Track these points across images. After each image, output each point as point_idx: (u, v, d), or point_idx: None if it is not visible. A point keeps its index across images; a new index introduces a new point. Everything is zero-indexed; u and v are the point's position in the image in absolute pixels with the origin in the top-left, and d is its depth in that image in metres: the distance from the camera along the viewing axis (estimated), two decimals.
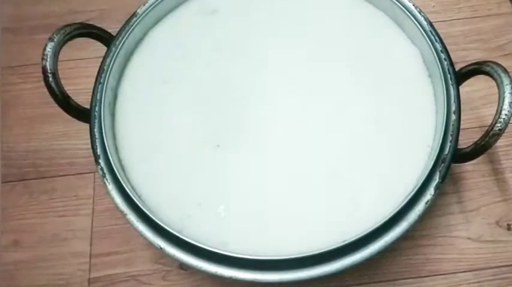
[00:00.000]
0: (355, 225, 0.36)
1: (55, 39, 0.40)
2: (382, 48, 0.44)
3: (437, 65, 0.41)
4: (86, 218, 0.51)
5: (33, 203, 0.53)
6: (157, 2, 0.45)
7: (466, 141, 0.42)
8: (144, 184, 0.40)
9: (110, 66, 0.43)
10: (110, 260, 0.49)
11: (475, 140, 0.38)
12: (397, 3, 0.44)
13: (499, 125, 0.36)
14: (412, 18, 0.44)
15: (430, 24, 0.44)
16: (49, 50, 0.40)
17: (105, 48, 0.45)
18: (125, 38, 0.44)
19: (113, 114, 0.43)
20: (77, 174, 0.54)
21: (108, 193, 0.39)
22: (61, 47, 0.41)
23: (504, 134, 0.37)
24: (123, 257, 0.50)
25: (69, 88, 0.41)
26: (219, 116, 0.42)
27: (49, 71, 0.40)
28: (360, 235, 0.35)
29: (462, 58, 0.56)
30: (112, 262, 0.49)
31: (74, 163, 0.54)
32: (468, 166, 0.51)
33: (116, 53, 0.43)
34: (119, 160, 0.41)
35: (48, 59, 0.40)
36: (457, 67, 0.42)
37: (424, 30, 0.43)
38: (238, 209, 0.39)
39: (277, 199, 0.39)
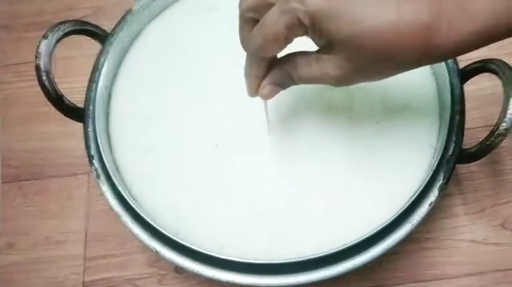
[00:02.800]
0: (357, 227, 0.36)
1: (49, 37, 0.39)
2: None
3: (441, 63, 0.40)
4: (80, 220, 0.51)
5: (27, 204, 0.53)
6: None
7: (470, 141, 0.42)
8: (140, 184, 0.39)
9: (104, 65, 0.42)
10: (104, 263, 0.49)
11: (480, 140, 0.37)
12: None
13: (504, 124, 0.35)
14: None
15: None
16: (43, 47, 0.39)
17: (99, 45, 0.44)
18: (119, 35, 0.43)
19: (107, 114, 0.42)
20: (71, 175, 0.53)
21: (102, 194, 0.38)
22: (55, 45, 0.40)
23: (510, 134, 0.36)
24: (118, 260, 0.49)
25: (63, 87, 0.41)
26: (217, 115, 0.41)
27: (43, 69, 0.39)
28: (362, 238, 0.34)
29: (466, 56, 0.55)
30: (107, 265, 0.49)
31: (68, 164, 0.54)
32: (473, 166, 0.51)
33: (111, 50, 0.42)
34: (114, 161, 0.40)
35: (42, 57, 0.39)
36: (461, 65, 0.41)
37: None
38: (236, 211, 0.38)
39: (276, 201, 0.38)
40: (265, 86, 0.33)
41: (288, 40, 0.29)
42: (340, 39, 0.27)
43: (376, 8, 0.26)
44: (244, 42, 0.31)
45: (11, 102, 0.58)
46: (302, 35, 0.28)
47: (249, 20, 0.30)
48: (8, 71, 0.59)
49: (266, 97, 0.33)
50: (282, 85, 0.33)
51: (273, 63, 0.32)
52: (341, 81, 0.30)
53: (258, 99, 0.42)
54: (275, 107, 0.41)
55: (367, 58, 0.27)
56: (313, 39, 0.29)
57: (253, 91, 0.33)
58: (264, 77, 0.32)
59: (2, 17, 0.62)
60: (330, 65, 0.29)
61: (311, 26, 0.27)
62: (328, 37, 0.27)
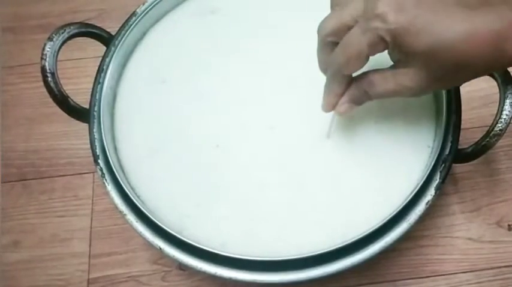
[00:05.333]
0: (355, 226, 0.36)
1: (54, 39, 0.40)
2: None
3: None
4: (85, 218, 0.51)
5: (32, 203, 0.53)
6: (157, 1, 0.45)
7: (466, 141, 0.42)
8: (144, 184, 0.40)
9: (109, 66, 0.43)
10: (109, 261, 0.49)
11: (476, 140, 0.38)
12: None
13: (500, 125, 0.36)
14: None
15: None
16: (48, 49, 0.40)
17: (104, 48, 0.44)
18: (124, 37, 0.44)
19: (112, 114, 0.43)
20: (76, 174, 0.54)
21: (107, 193, 0.39)
22: (60, 47, 0.40)
23: (505, 134, 0.36)
24: (123, 258, 0.49)
25: (68, 88, 0.41)
26: (219, 116, 0.42)
27: (48, 70, 0.40)
28: (360, 236, 0.35)
29: None
30: (111, 262, 0.49)
31: (73, 163, 0.54)
32: (469, 166, 0.51)
33: (115, 52, 0.43)
34: (118, 160, 0.41)
35: (47, 59, 0.39)
36: None
37: None
38: (238, 209, 0.39)
39: (277, 199, 0.39)
40: (343, 104, 0.35)
41: (369, 57, 0.31)
42: (420, 52, 0.28)
43: (452, 20, 0.27)
44: (324, 64, 0.34)
45: (15, 103, 0.58)
46: (382, 50, 0.30)
47: (329, 44, 0.32)
48: (12, 73, 0.60)
49: (343, 114, 0.35)
50: (358, 102, 0.34)
51: (349, 83, 0.34)
52: (418, 91, 0.31)
53: (257, 100, 0.43)
54: (278, 113, 0.42)
55: (444, 68, 0.29)
56: (391, 54, 0.31)
57: (331, 108, 0.36)
58: (342, 94, 0.34)
59: (7, 19, 0.63)
60: (407, 77, 0.30)
61: (392, 42, 0.29)
62: (408, 50, 0.28)
